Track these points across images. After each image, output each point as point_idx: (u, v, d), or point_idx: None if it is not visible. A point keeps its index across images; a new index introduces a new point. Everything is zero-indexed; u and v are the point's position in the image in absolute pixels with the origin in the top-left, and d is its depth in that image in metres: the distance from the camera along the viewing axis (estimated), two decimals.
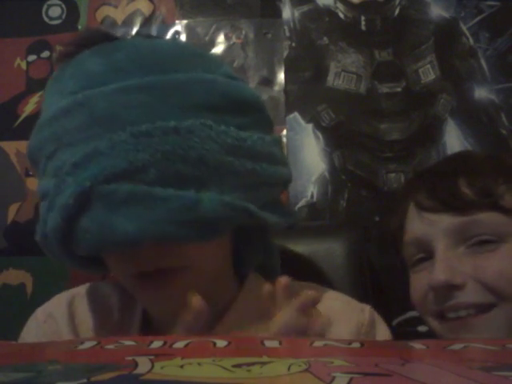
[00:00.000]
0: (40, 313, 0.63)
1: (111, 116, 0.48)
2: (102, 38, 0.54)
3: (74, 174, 0.47)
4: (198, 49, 0.58)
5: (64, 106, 0.50)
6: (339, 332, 0.59)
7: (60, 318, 0.61)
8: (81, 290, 0.64)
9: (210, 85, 0.51)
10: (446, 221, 0.62)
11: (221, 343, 0.33)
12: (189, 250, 0.50)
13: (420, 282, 0.64)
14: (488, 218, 0.61)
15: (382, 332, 0.61)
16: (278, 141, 0.57)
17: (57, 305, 0.63)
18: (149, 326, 0.59)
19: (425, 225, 0.64)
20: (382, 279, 1.03)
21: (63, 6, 1.24)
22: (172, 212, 0.46)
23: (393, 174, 1.10)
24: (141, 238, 0.46)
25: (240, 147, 0.51)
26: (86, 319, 0.61)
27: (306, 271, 0.80)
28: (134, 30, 1.21)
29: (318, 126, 1.13)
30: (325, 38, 1.17)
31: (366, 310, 0.61)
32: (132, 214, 0.46)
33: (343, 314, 0.60)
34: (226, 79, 0.54)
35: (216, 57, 0.53)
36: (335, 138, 1.12)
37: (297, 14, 1.18)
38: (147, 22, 1.22)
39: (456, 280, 0.60)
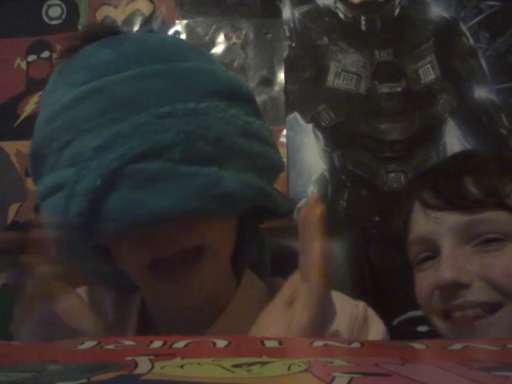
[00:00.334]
0: None
1: (131, 100, 0.49)
2: (107, 31, 0.55)
3: (98, 157, 0.48)
4: (195, 45, 0.61)
5: (78, 95, 0.50)
6: (334, 327, 0.59)
7: None
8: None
9: (214, 74, 0.54)
10: (452, 219, 0.62)
11: (221, 343, 0.33)
12: (209, 228, 0.51)
13: (425, 280, 0.64)
14: (494, 217, 0.60)
15: (376, 328, 0.61)
16: (272, 131, 0.60)
17: None
18: (147, 327, 0.59)
19: (430, 223, 0.63)
20: (382, 279, 1.03)
21: (63, 5, 1.25)
22: (199, 188, 0.48)
23: (393, 174, 1.10)
24: (172, 213, 0.48)
25: (248, 130, 0.53)
26: None
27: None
28: (134, 30, 1.21)
29: (318, 125, 1.13)
30: (325, 38, 1.17)
31: (360, 306, 0.62)
32: (162, 190, 0.48)
33: (338, 310, 0.61)
34: (224, 71, 0.56)
35: (211, 54, 0.56)
36: (335, 138, 1.13)
37: (297, 14, 1.18)
38: (147, 21, 1.22)
39: (463, 279, 0.59)
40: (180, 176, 0.48)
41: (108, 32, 0.55)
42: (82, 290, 0.65)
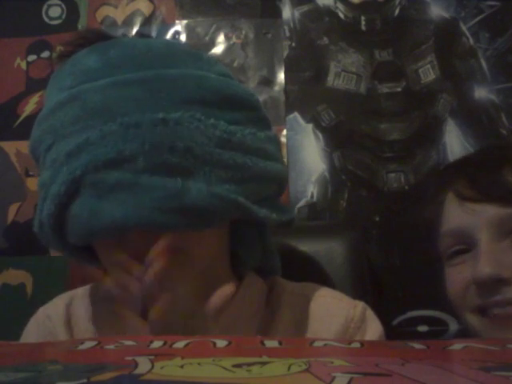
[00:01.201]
0: (40, 312, 0.64)
1: (103, 108, 0.50)
2: (98, 37, 0.56)
3: (66, 163, 0.49)
4: (192, 49, 0.60)
5: (60, 100, 0.52)
6: (328, 326, 0.59)
7: (56, 319, 0.62)
8: (80, 292, 0.65)
9: (200, 80, 0.53)
10: (490, 211, 0.59)
11: (221, 343, 0.33)
12: (180, 237, 0.50)
13: (459, 275, 0.61)
14: None
15: (374, 328, 0.61)
16: (274, 138, 0.58)
17: (55, 306, 0.63)
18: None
19: (466, 215, 0.60)
20: (381, 279, 1.03)
21: (63, 5, 1.24)
22: (156, 199, 0.48)
23: (393, 174, 1.10)
24: (126, 223, 0.48)
25: (229, 140, 0.52)
26: (83, 321, 0.61)
27: (307, 271, 0.80)
28: (134, 30, 1.21)
29: (318, 125, 1.13)
30: (325, 38, 1.17)
31: (359, 306, 0.61)
32: (118, 200, 0.48)
33: (334, 309, 0.61)
34: (218, 76, 0.55)
35: (211, 57, 0.55)
36: (335, 138, 1.13)
37: (297, 14, 1.18)
38: (147, 21, 1.22)
39: (503, 274, 0.56)
40: (139, 187, 0.48)
41: (100, 37, 0.56)
42: (85, 289, 0.65)
